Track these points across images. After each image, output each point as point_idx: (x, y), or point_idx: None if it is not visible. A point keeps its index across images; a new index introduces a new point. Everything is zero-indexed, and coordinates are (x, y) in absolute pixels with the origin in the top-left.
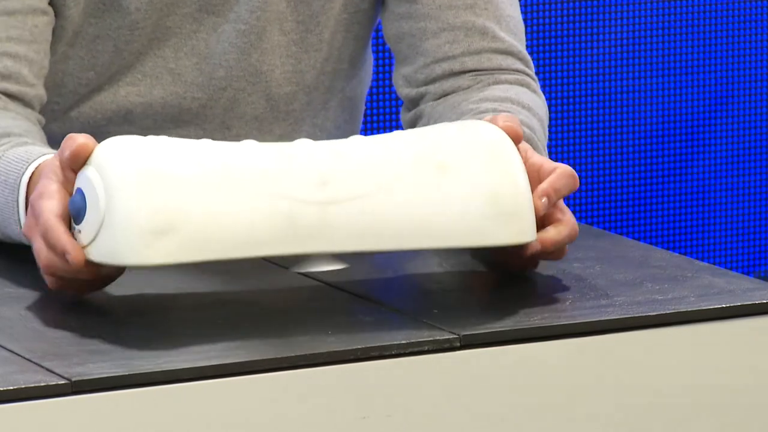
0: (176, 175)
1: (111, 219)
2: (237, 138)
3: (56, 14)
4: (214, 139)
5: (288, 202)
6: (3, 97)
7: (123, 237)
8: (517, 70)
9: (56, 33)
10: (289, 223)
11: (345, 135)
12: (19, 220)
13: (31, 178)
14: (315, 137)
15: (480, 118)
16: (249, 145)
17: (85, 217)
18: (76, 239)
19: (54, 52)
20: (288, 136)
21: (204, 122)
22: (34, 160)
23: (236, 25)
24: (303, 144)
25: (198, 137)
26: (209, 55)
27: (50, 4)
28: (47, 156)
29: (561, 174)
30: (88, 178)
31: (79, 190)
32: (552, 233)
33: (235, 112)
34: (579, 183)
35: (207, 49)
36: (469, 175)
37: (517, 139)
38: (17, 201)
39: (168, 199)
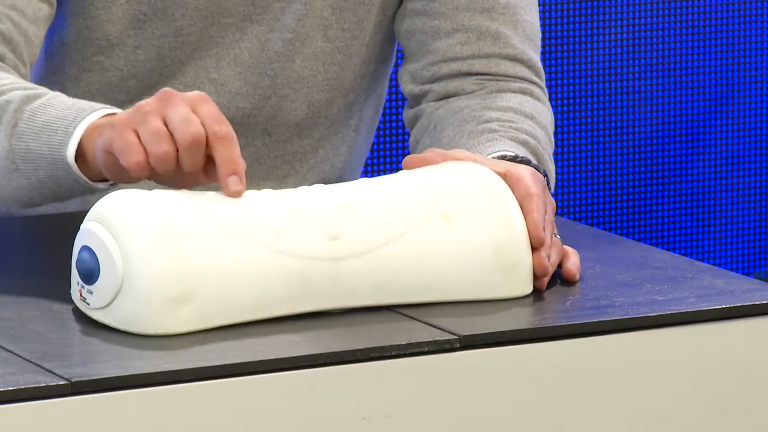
0: (192, 237)
1: (130, 285)
2: (277, 143)
3: (91, 27)
4: (254, 145)
5: (300, 261)
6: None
7: (143, 305)
8: (524, 78)
9: (90, 44)
10: (301, 283)
11: (372, 131)
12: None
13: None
14: (349, 138)
15: (482, 131)
16: (256, 197)
17: (99, 279)
18: (84, 300)
19: (88, 63)
20: (326, 139)
21: (246, 130)
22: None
23: (281, 33)
24: (310, 194)
25: (239, 146)
26: (253, 64)
27: (87, 16)
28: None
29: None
30: (97, 237)
31: (88, 249)
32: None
33: (277, 119)
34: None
35: (251, 59)
36: (472, 227)
37: None
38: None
39: (187, 265)
